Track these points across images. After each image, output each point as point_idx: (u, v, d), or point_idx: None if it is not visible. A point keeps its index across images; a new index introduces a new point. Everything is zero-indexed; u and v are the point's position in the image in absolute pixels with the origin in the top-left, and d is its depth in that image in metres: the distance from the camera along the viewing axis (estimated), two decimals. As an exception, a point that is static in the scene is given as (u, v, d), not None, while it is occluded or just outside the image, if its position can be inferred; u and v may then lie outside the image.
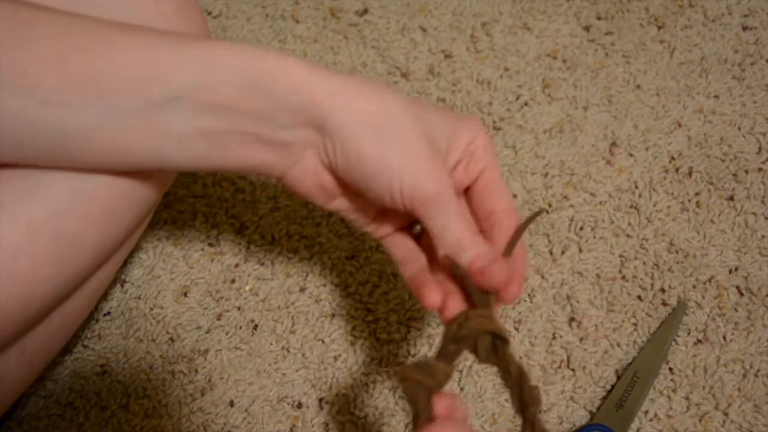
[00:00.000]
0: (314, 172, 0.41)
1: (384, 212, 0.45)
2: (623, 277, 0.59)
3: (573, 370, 0.56)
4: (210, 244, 0.63)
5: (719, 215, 0.61)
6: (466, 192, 0.44)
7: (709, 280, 0.59)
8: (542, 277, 0.60)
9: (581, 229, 0.62)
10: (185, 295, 0.61)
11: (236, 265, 0.62)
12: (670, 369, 0.56)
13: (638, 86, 0.68)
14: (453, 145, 0.41)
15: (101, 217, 0.42)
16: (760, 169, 0.63)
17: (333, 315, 0.59)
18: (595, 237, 0.61)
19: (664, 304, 0.58)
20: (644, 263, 0.60)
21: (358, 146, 0.38)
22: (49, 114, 0.35)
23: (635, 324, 0.58)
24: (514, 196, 0.63)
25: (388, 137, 0.38)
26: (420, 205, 0.39)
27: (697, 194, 0.62)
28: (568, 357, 0.57)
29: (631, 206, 0.62)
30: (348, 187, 0.41)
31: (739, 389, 0.55)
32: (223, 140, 0.38)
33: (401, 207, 0.40)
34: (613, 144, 0.65)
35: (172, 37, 0.37)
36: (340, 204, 0.43)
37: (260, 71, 0.36)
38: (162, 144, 0.38)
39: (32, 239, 0.39)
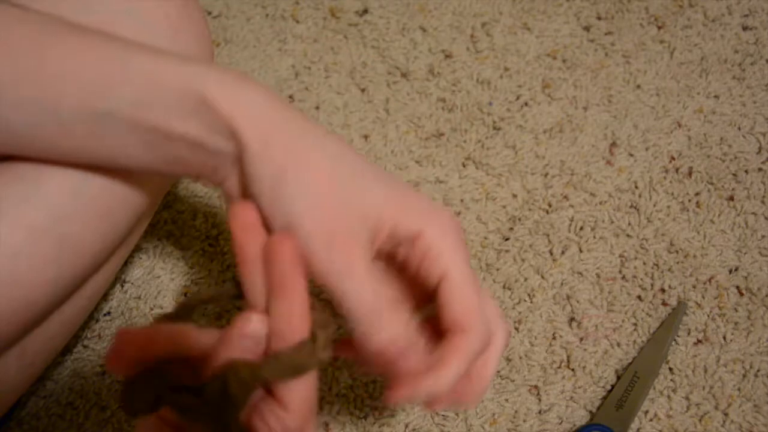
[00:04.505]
0: (242, 188, 0.39)
1: None
2: (623, 277, 0.59)
3: (573, 370, 0.56)
4: (210, 244, 0.63)
5: (719, 215, 0.61)
6: (432, 297, 0.39)
7: (709, 280, 0.59)
8: (542, 277, 0.60)
9: (581, 229, 0.62)
10: (185, 295, 0.61)
11: (236, 265, 0.62)
12: (670, 369, 0.56)
13: (638, 86, 0.68)
14: (384, 226, 0.37)
15: (99, 221, 0.42)
16: (760, 169, 0.63)
17: (332, 315, 0.59)
18: (595, 237, 0.61)
19: (664, 304, 0.58)
20: (644, 263, 0.60)
21: (260, 192, 0.36)
22: None
23: (635, 324, 0.58)
24: (514, 196, 0.63)
25: (289, 193, 0.35)
26: (315, 267, 0.36)
27: (697, 194, 0.62)
28: (568, 357, 0.57)
29: (631, 206, 0.62)
30: None
31: (739, 389, 0.55)
32: (160, 152, 0.38)
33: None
34: (613, 144, 0.65)
35: (121, 47, 0.37)
36: None
37: (198, 98, 0.35)
38: (105, 149, 0.38)
39: (33, 243, 0.39)
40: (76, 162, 0.39)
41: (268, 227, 0.36)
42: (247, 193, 0.37)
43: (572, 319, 0.58)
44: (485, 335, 0.37)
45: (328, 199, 0.36)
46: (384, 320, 0.36)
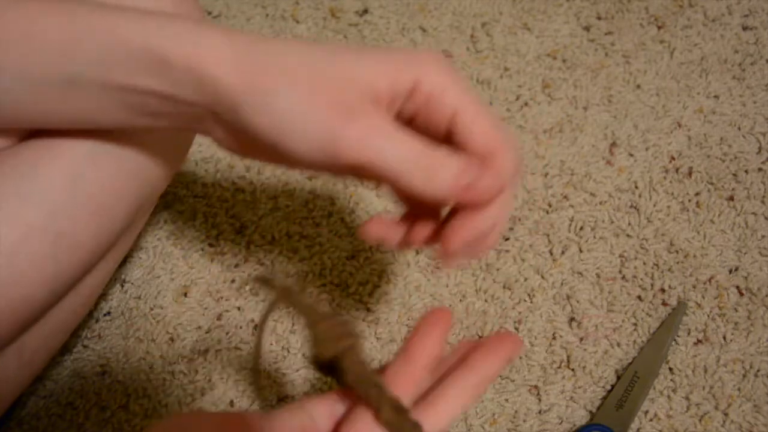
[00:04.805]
0: (231, 135, 0.39)
1: None
2: (623, 277, 0.59)
3: (573, 370, 0.56)
4: (210, 244, 0.63)
5: (719, 215, 0.61)
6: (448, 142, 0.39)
7: (709, 280, 0.59)
8: (542, 277, 0.60)
9: (581, 229, 0.62)
10: (185, 295, 0.61)
11: (236, 265, 0.62)
12: (670, 369, 0.56)
13: (638, 86, 0.68)
14: (382, 91, 0.37)
15: (96, 217, 0.42)
16: (760, 169, 0.63)
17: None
18: (595, 237, 0.61)
19: (664, 304, 0.58)
20: (644, 263, 0.60)
21: (253, 123, 0.36)
22: None
23: (635, 324, 0.57)
24: (514, 196, 0.63)
25: (282, 109, 0.35)
26: (351, 156, 0.35)
27: (697, 194, 0.62)
28: (568, 357, 0.57)
29: (631, 206, 0.62)
30: None
31: (739, 389, 0.55)
32: (136, 109, 0.38)
33: (336, 169, 0.37)
34: (613, 144, 0.65)
35: (82, 7, 0.37)
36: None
37: (158, 51, 0.35)
38: (81, 111, 0.38)
39: (31, 242, 0.39)
40: (57, 126, 0.39)
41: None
42: (248, 133, 0.36)
43: (572, 319, 0.58)
44: (515, 154, 0.38)
45: (321, 93, 0.35)
46: (440, 161, 0.36)
